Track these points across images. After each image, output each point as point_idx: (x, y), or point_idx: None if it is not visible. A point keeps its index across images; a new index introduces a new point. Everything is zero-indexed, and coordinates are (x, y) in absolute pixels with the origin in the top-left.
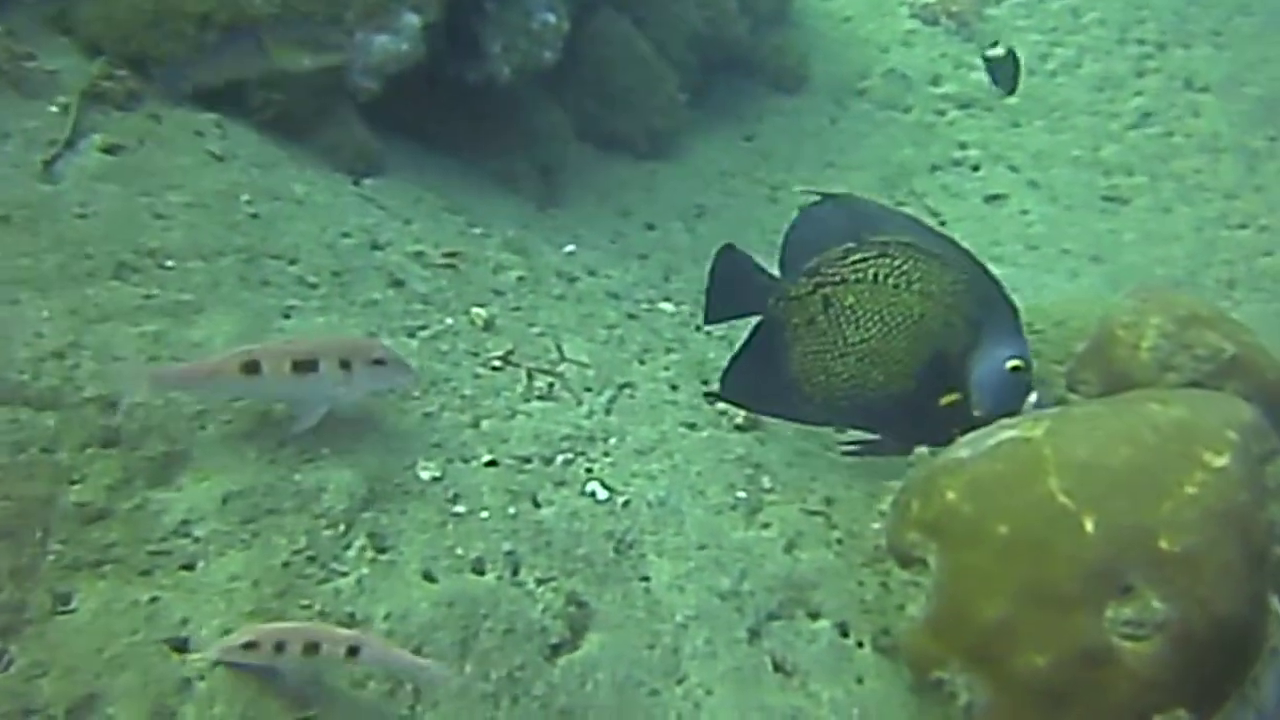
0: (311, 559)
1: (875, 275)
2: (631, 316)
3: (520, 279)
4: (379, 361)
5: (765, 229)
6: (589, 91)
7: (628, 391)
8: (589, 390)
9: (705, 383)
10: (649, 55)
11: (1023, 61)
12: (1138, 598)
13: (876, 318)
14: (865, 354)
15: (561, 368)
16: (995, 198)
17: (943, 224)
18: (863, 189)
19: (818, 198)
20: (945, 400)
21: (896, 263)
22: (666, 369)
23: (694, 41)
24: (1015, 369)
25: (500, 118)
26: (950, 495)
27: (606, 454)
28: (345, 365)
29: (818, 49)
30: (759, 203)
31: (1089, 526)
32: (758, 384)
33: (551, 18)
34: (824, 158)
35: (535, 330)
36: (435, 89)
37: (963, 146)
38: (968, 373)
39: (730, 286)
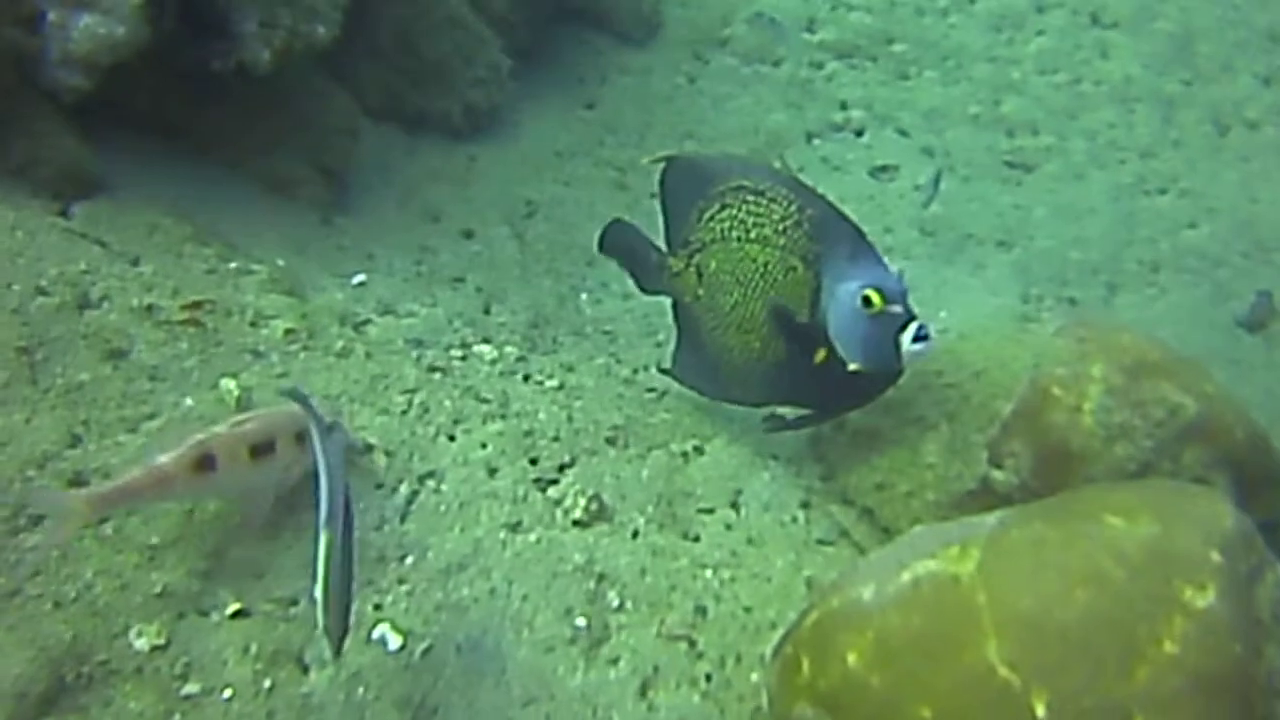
0: None
1: (722, 231)
2: (438, 371)
3: (289, 332)
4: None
5: None
6: (388, 62)
7: (431, 485)
8: (379, 488)
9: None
10: (463, 14)
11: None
12: None
13: (732, 279)
14: (736, 322)
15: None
16: (884, 169)
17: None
18: None
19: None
20: (818, 358)
21: (733, 211)
22: (484, 445)
23: None
24: (868, 302)
25: (267, 107)
26: (852, 659)
27: (401, 581)
28: (300, 439)
29: None
30: (604, 190)
31: (1040, 711)
32: (697, 367)
33: None
34: (680, 126)
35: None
36: (178, 80)
37: (844, 106)
38: (824, 321)
39: (632, 263)
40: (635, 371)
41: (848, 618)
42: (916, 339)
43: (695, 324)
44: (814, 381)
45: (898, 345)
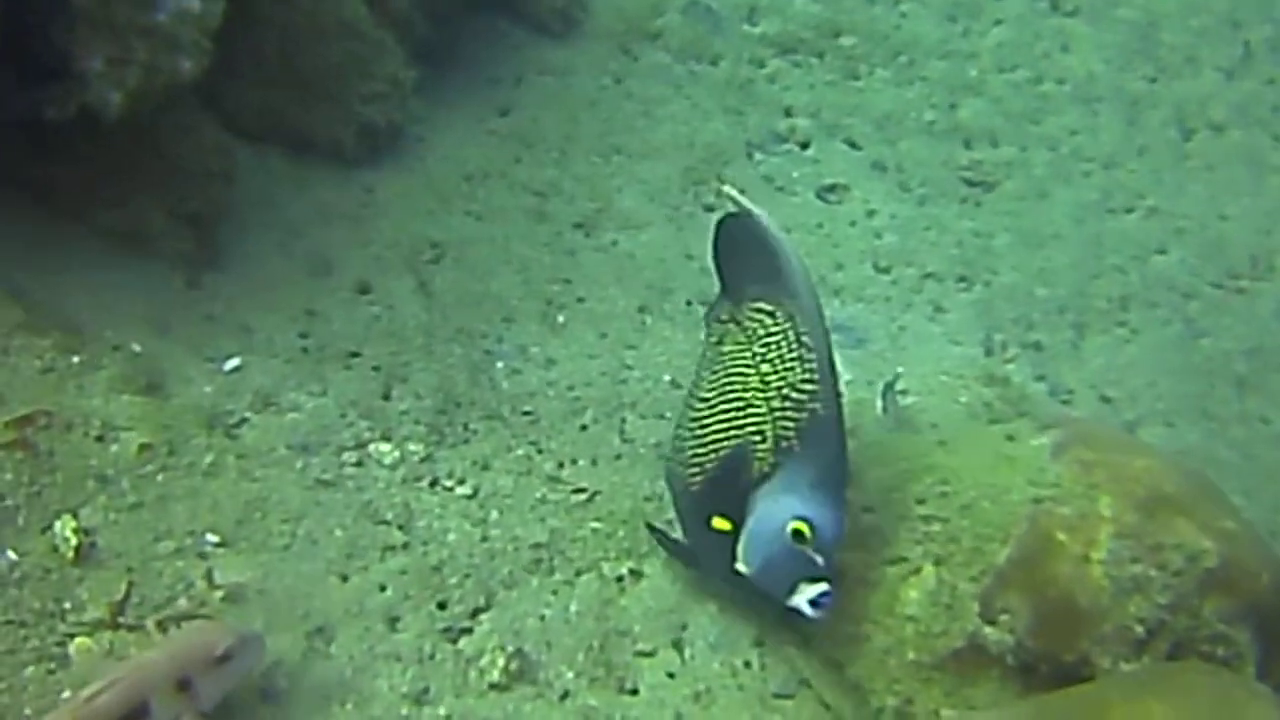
0: None
1: (754, 332)
2: (326, 485)
3: (144, 448)
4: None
5: (526, 274)
6: (269, 77)
7: (320, 645)
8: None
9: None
10: (359, 16)
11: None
12: None
13: (720, 380)
14: (696, 414)
15: (209, 610)
16: (832, 190)
17: None
18: (661, 191)
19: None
20: (716, 523)
21: (773, 329)
22: (383, 587)
23: None
24: (797, 534)
25: (119, 150)
26: None
27: None
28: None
29: None
30: (522, 224)
31: None
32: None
33: (194, 3)
34: (607, 138)
35: (166, 546)
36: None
37: (788, 113)
38: (750, 505)
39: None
40: (560, 465)
41: None
42: (815, 601)
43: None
44: (702, 529)
45: (793, 589)
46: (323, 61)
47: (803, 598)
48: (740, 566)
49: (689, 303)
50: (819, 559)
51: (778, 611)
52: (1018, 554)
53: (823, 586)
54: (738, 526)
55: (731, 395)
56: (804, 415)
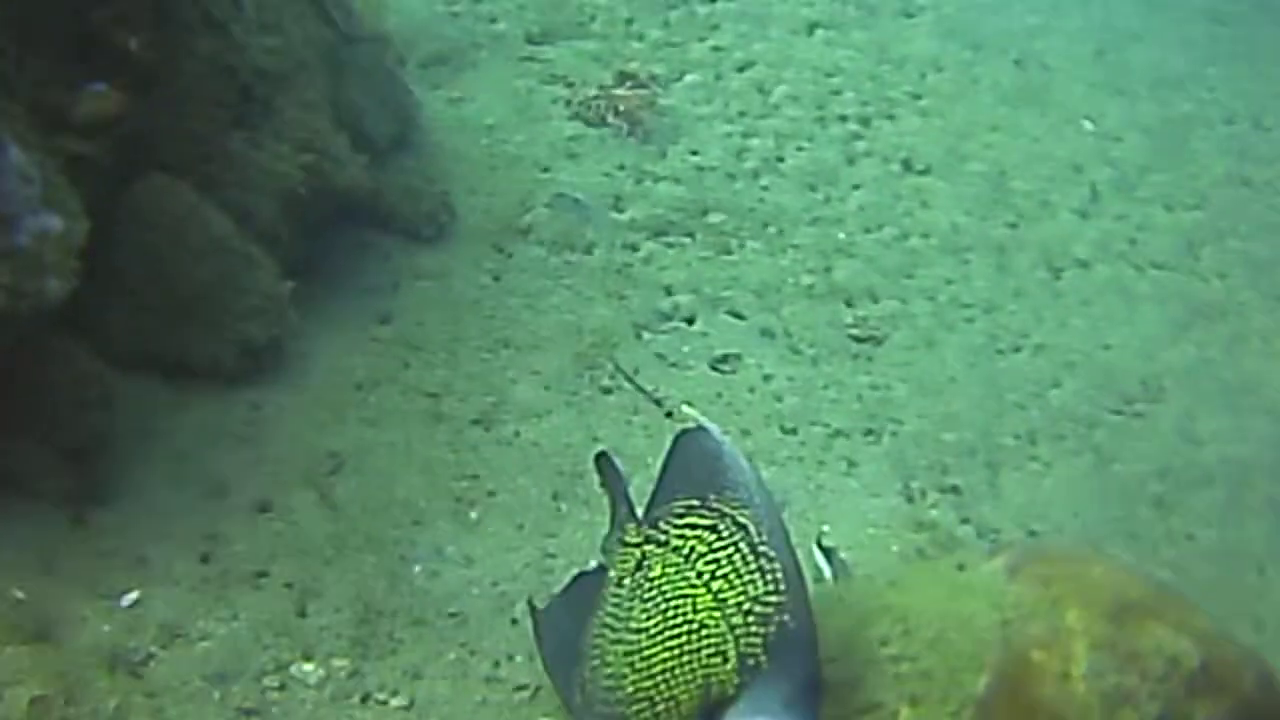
0: None
1: (692, 551)
2: (249, 715)
3: (36, 701)
4: None
5: (431, 475)
6: (139, 300)
7: None
8: None
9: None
10: (227, 233)
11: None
12: None
13: (660, 606)
14: (633, 649)
15: None
16: (725, 360)
17: (669, 415)
18: (556, 378)
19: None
20: None
21: (717, 545)
22: None
23: (292, 202)
24: None
25: None
26: None
27: None
28: None
29: (459, 176)
30: (419, 426)
31: None
32: (564, 632)
33: (55, 222)
34: (493, 334)
35: None
36: None
37: (669, 292)
38: None
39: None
40: (496, 664)
41: None
42: None
43: (597, 602)
44: None
45: None
46: (194, 280)
47: None
48: None
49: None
50: None
51: None
52: (997, 681)
53: None
54: None
55: (678, 620)
56: (771, 629)
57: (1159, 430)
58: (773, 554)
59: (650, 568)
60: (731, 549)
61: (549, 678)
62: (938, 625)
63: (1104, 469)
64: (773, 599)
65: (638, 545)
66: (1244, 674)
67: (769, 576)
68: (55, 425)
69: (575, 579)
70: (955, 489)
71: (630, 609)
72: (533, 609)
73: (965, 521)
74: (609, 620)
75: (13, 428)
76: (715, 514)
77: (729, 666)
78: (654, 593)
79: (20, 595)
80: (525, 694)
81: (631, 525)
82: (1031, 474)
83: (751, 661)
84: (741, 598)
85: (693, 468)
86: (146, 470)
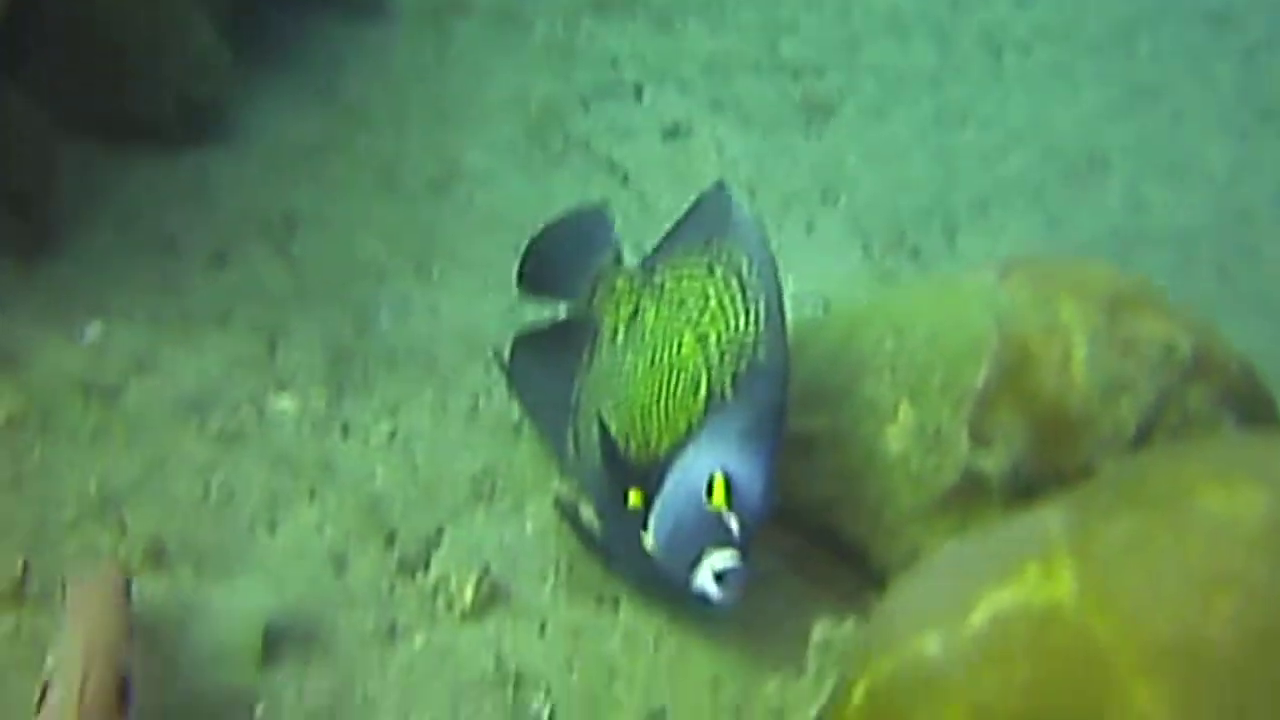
0: None
1: (684, 294)
2: (230, 439)
3: (13, 419)
4: None
5: (389, 235)
6: (71, 59)
7: (263, 584)
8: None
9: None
10: None
11: None
12: None
13: (649, 351)
14: (619, 396)
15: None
16: (676, 130)
17: (625, 179)
18: (506, 142)
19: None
20: (632, 499)
21: (709, 286)
22: (320, 529)
23: None
24: (710, 489)
25: None
26: None
27: None
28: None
29: None
30: (370, 192)
31: None
32: (541, 376)
33: None
34: (440, 106)
35: (62, 516)
36: None
37: (614, 65)
38: (667, 470)
39: (559, 251)
40: (475, 402)
41: (916, 685)
42: (720, 575)
43: (586, 352)
44: (618, 512)
45: (696, 563)
46: (129, 34)
47: (705, 573)
48: (646, 541)
49: None
50: (734, 523)
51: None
52: (996, 371)
53: (730, 556)
54: (646, 503)
55: (662, 361)
56: (742, 364)
57: (1107, 198)
58: (758, 291)
59: (644, 315)
60: (721, 287)
61: (534, 429)
62: (930, 327)
63: (1057, 230)
64: (750, 334)
65: (631, 295)
66: (1230, 363)
67: (751, 313)
68: None
69: (531, 332)
70: (915, 250)
71: (622, 359)
72: (500, 362)
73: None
74: (601, 373)
75: None
76: (712, 256)
77: (699, 403)
78: (645, 338)
79: None
80: (507, 428)
81: (622, 277)
82: (987, 235)
83: (718, 397)
84: (721, 335)
85: (701, 221)
86: (95, 226)
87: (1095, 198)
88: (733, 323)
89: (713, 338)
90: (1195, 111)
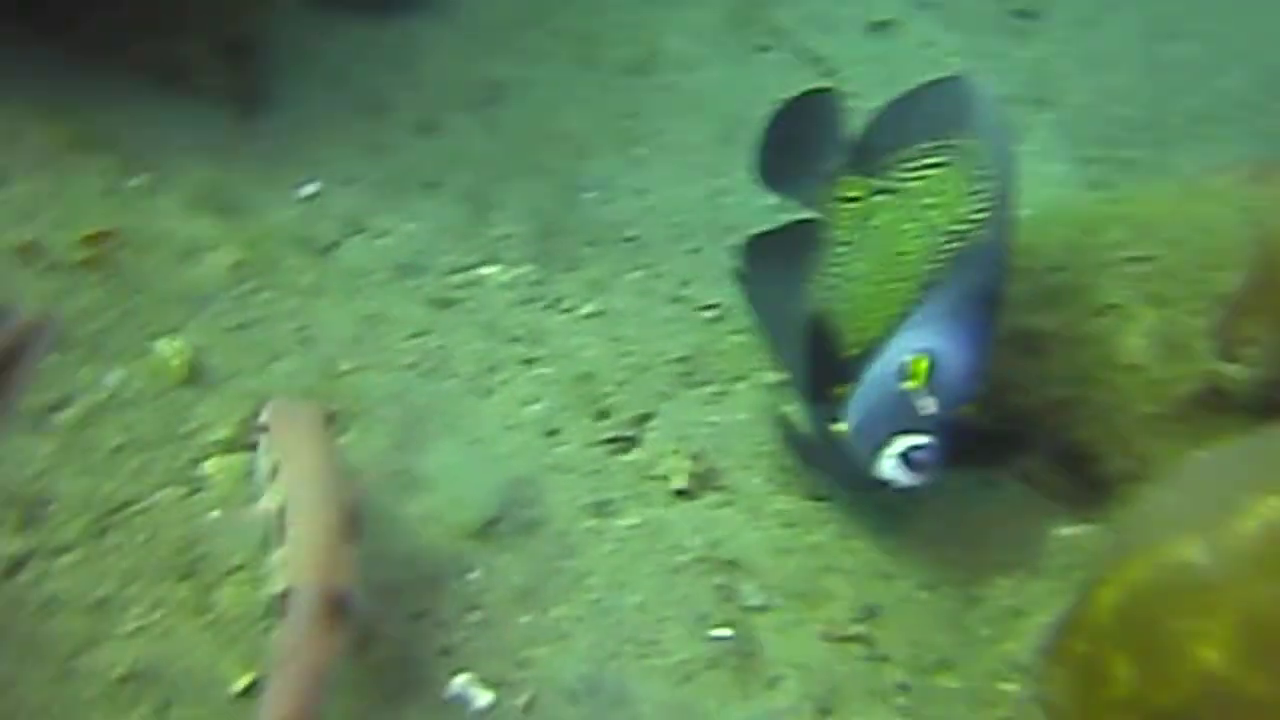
0: None
1: (918, 191)
2: (443, 305)
3: (237, 265)
4: None
5: (593, 111)
6: None
7: (477, 450)
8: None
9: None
10: None
11: None
12: None
13: (879, 249)
14: (847, 296)
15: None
16: (882, 26)
17: (831, 73)
18: (707, 28)
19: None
20: (836, 393)
21: (943, 178)
22: (533, 400)
23: None
24: (905, 372)
25: None
26: (1211, 656)
27: (472, 607)
28: None
29: None
30: (572, 70)
31: None
32: (774, 286)
33: None
34: None
35: (282, 366)
36: None
37: None
38: (874, 357)
39: (791, 146)
40: (682, 284)
41: (1178, 593)
42: (909, 456)
43: (816, 258)
44: (817, 413)
45: (885, 443)
46: None
47: (890, 458)
48: (838, 426)
49: None
50: (927, 403)
51: None
52: (1252, 279)
53: (919, 440)
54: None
55: (889, 254)
56: (963, 244)
57: None
58: (989, 175)
59: (876, 218)
60: (954, 177)
61: (767, 346)
62: (1179, 229)
63: (1274, 152)
64: (975, 216)
65: (865, 199)
66: None
67: (979, 195)
68: (217, 18)
69: (765, 234)
70: (1129, 163)
71: (850, 264)
72: (739, 275)
73: None
74: (828, 281)
75: (175, 19)
76: (948, 150)
77: (916, 288)
78: (873, 240)
79: (205, 174)
80: (713, 313)
81: (855, 183)
82: (1200, 153)
83: (934, 279)
84: (948, 219)
85: (939, 110)
86: (305, 83)
87: None
88: (960, 210)
89: (938, 225)
90: None
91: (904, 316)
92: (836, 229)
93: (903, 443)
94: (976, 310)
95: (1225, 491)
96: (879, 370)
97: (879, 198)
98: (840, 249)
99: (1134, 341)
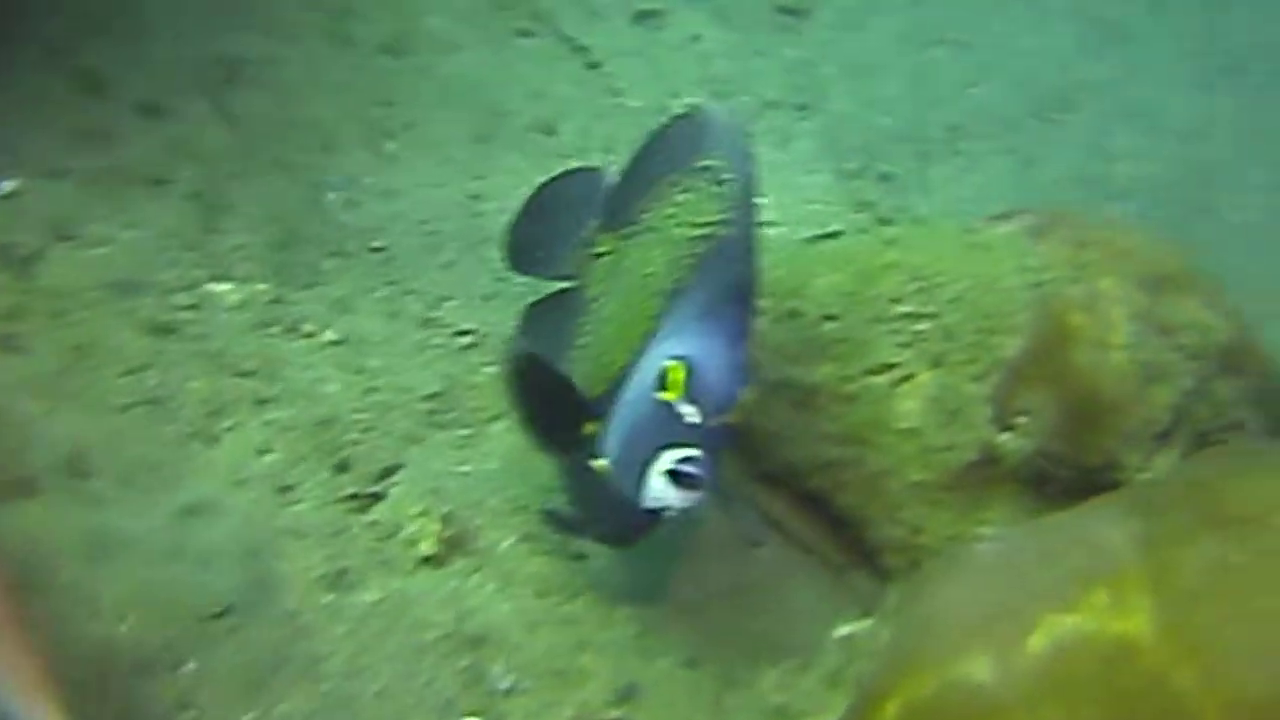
0: None
1: (660, 222)
2: (164, 331)
3: None
4: None
5: (342, 97)
6: None
7: (198, 513)
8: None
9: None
10: None
11: None
12: None
13: (625, 282)
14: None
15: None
16: (648, 16)
17: (594, 65)
18: (467, 7)
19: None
20: (587, 429)
21: (684, 201)
22: (266, 449)
23: None
24: (663, 382)
25: None
26: None
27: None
28: None
29: None
30: (322, 47)
31: None
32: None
33: None
34: None
35: None
36: None
37: None
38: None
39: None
40: (433, 305)
41: (963, 713)
42: (678, 472)
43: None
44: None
45: (650, 460)
46: None
47: (656, 478)
48: (597, 463)
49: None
50: (689, 410)
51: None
52: (1033, 344)
53: (684, 454)
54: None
55: (634, 281)
56: (708, 246)
57: (1075, 141)
58: (729, 179)
59: (628, 258)
60: (696, 194)
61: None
62: (960, 285)
63: (1026, 171)
64: (717, 218)
65: (614, 251)
66: (1262, 354)
67: (720, 199)
68: None
69: (539, 301)
70: (886, 176)
71: (605, 305)
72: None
73: (900, 210)
74: (586, 334)
75: None
76: (690, 174)
77: (661, 301)
78: (625, 278)
79: None
80: (468, 339)
81: (607, 235)
82: (958, 168)
83: (679, 286)
84: (689, 230)
85: (677, 145)
86: (13, 55)
87: (1064, 139)
88: (701, 218)
89: (680, 238)
90: (1160, 59)
91: (653, 334)
92: (590, 288)
93: (669, 457)
94: (729, 307)
95: (1014, 598)
96: (633, 389)
97: (628, 242)
98: (593, 304)
99: (910, 405)
